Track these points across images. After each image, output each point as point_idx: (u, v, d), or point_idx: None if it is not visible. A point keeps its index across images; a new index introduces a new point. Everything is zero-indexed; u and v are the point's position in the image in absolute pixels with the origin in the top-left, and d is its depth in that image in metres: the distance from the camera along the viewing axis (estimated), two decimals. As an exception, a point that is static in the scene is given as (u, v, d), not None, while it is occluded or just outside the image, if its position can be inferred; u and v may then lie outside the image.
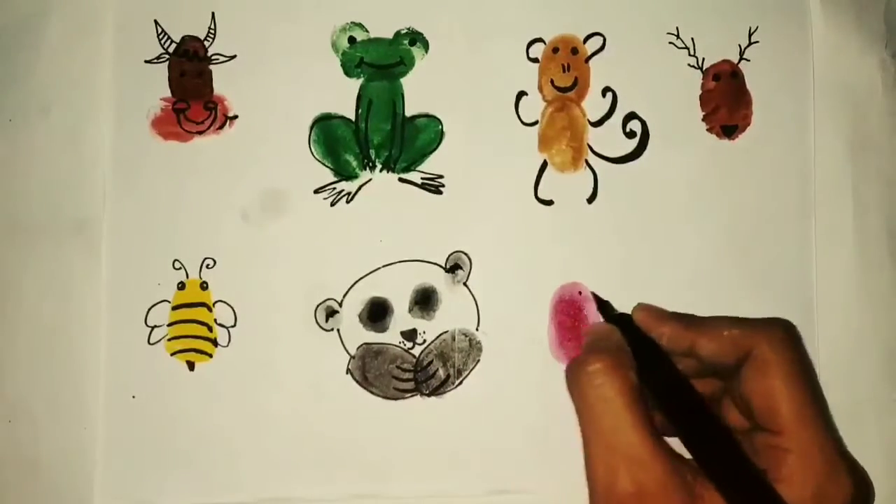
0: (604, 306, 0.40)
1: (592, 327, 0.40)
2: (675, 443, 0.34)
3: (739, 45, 0.43)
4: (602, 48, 0.42)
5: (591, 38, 0.42)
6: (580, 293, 0.41)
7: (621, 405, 0.32)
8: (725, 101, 0.42)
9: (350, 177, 0.42)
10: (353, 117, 0.42)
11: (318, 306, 0.41)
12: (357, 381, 0.41)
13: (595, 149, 0.42)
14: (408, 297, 0.41)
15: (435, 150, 0.42)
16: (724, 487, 0.31)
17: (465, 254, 0.42)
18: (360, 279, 0.41)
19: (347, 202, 0.42)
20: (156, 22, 0.42)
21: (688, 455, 0.33)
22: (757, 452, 0.33)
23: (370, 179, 0.42)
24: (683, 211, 0.42)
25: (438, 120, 0.42)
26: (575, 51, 0.42)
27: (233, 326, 0.41)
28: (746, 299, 0.40)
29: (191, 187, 0.41)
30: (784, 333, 0.34)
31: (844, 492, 0.32)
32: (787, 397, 0.32)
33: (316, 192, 0.42)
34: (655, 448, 0.32)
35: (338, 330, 0.41)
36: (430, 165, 0.42)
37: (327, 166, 0.42)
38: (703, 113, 0.42)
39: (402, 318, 0.41)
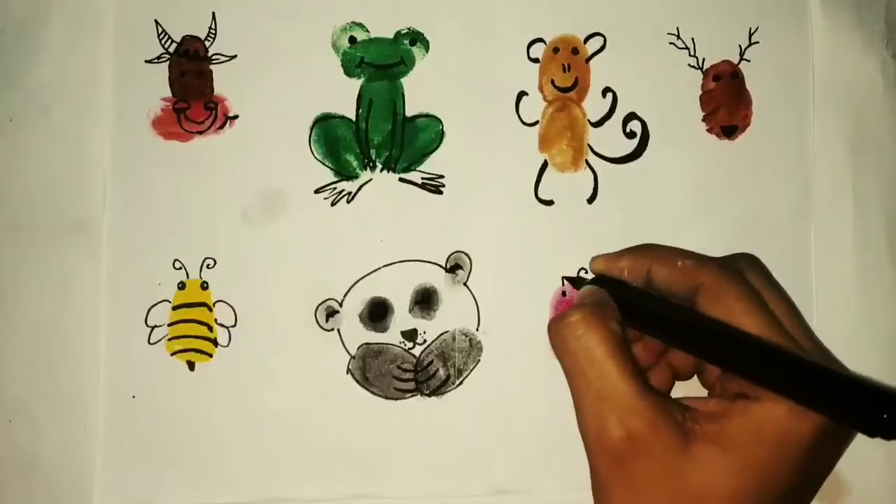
0: (577, 281, 0.40)
1: (577, 294, 0.38)
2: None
3: (740, 46, 0.43)
4: (602, 48, 0.42)
5: (592, 38, 0.42)
6: (580, 293, 0.42)
7: (604, 353, 0.32)
8: (725, 101, 0.42)
9: (350, 177, 0.42)
10: (353, 117, 0.42)
11: (318, 306, 0.41)
12: (357, 381, 0.41)
13: (595, 149, 0.42)
14: (408, 297, 0.41)
15: (435, 150, 0.42)
16: (748, 371, 0.31)
17: (466, 254, 0.42)
18: (360, 279, 0.41)
19: (348, 202, 0.42)
20: (156, 22, 0.42)
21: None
22: (727, 380, 0.33)
23: (370, 179, 0.42)
24: (683, 211, 0.42)
25: (439, 120, 0.42)
26: (575, 51, 0.42)
27: (233, 326, 0.41)
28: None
29: (191, 187, 0.41)
30: (732, 265, 0.34)
31: None
32: (745, 318, 0.32)
33: (316, 191, 0.42)
34: (643, 391, 0.31)
35: (338, 330, 0.41)
36: (431, 165, 0.42)
37: (328, 166, 0.42)
38: (704, 113, 0.43)
39: (402, 318, 0.41)
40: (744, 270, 0.34)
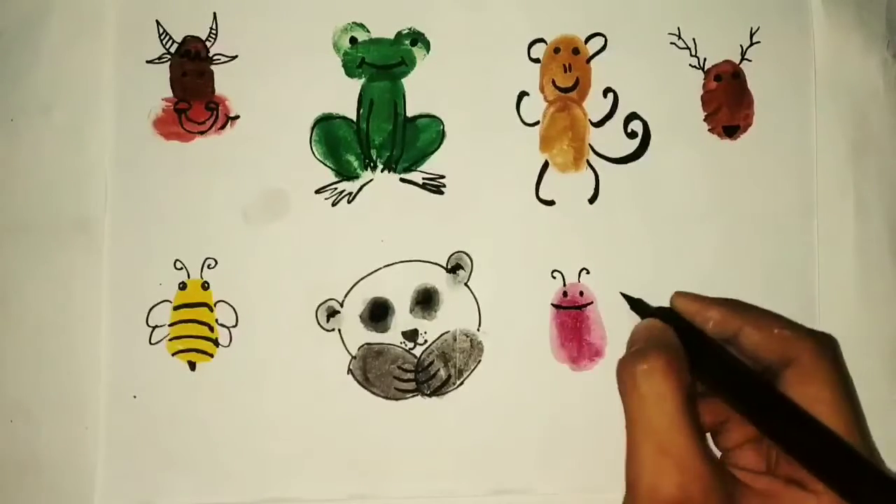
0: (637, 304, 0.38)
1: (642, 325, 0.37)
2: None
3: (741, 46, 0.43)
4: (603, 48, 0.42)
5: (593, 38, 0.42)
6: (581, 294, 0.41)
7: (676, 406, 0.31)
8: (727, 101, 0.42)
9: (351, 177, 0.42)
10: (354, 117, 0.42)
11: (319, 306, 0.41)
12: (358, 382, 0.41)
13: (596, 149, 0.42)
14: (409, 298, 0.41)
15: (436, 150, 0.42)
16: (819, 468, 0.30)
17: (467, 254, 0.42)
18: (361, 279, 0.41)
19: (349, 202, 0.42)
20: (157, 22, 0.42)
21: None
22: (782, 461, 0.33)
23: (371, 179, 0.42)
24: (685, 211, 0.42)
25: (440, 120, 0.42)
26: (576, 51, 0.42)
27: (234, 326, 0.41)
28: (748, 299, 0.40)
29: (192, 187, 0.41)
30: (832, 348, 0.34)
31: None
32: (830, 407, 0.32)
33: (317, 192, 0.42)
34: (705, 455, 0.30)
35: (339, 330, 0.41)
36: (432, 165, 0.42)
37: (328, 166, 0.42)
38: (705, 113, 0.42)
39: (403, 318, 0.41)
40: (831, 353, 0.33)
